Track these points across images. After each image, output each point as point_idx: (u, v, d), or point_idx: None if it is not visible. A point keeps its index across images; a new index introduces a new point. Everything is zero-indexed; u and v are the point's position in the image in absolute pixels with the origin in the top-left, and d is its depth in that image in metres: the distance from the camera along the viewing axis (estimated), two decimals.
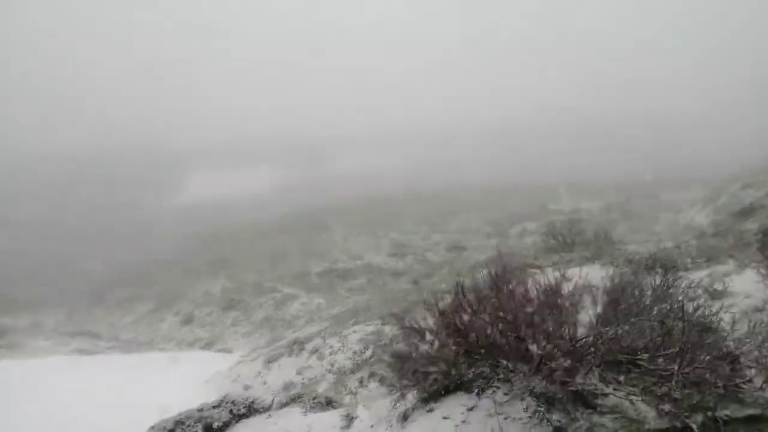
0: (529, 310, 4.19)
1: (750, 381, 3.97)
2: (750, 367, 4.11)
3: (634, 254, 11.64)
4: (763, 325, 5.92)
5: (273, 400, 10.11)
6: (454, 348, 4.20)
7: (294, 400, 8.43)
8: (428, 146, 58.16)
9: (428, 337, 4.43)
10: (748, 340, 4.41)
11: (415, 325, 4.42)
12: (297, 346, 15.45)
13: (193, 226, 37.97)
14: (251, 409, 7.24)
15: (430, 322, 4.52)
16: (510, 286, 4.49)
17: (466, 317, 4.29)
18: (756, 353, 4.23)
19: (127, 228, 39.50)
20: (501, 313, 4.12)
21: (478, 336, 4.14)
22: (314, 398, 8.47)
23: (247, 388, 13.90)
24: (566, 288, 6.83)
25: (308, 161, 59.71)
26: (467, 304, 4.36)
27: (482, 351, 4.16)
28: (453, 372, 4.27)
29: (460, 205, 34.37)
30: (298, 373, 13.91)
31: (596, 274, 7.98)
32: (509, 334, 4.09)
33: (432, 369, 4.33)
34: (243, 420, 6.97)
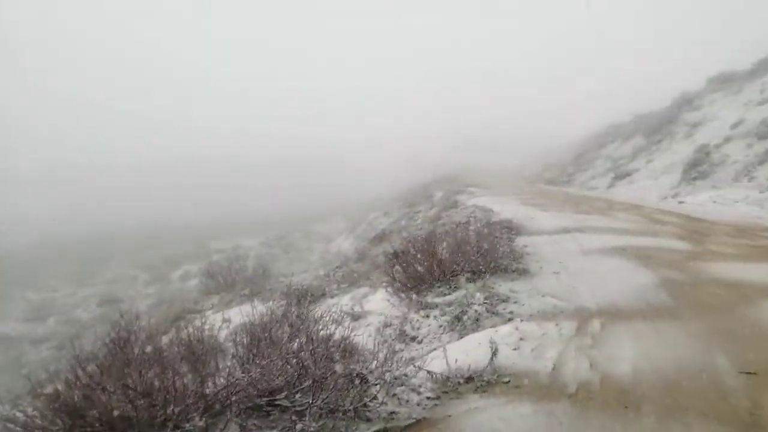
0: (162, 368, 3.84)
1: (375, 398, 4.36)
2: (375, 384, 4.52)
3: (289, 287, 12.19)
4: (389, 340, 6.72)
5: None
6: None
7: None
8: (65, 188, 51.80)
9: (33, 426, 3.66)
10: (374, 358, 4.86)
11: (15, 417, 3.60)
12: None
13: None
14: None
15: (37, 407, 3.75)
16: (139, 346, 4.06)
17: (84, 392, 3.68)
18: (380, 370, 4.70)
19: None
20: (128, 381, 3.65)
21: (100, 412, 3.58)
22: None
23: None
24: (222, 331, 6.62)
25: None
26: (86, 376, 3.76)
27: (105, 428, 3.60)
28: None
29: (109, 253, 31.36)
30: None
31: (247, 314, 7.98)
32: (139, 401, 3.64)
33: None
34: None
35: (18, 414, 3.74)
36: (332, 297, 10.85)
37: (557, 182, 34.11)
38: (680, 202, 17.71)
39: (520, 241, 10.61)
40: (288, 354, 4.47)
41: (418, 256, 8.86)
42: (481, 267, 8.28)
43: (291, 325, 5.10)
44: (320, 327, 5.29)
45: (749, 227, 11.95)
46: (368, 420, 4.11)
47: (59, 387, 3.74)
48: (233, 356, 4.56)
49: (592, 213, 15.63)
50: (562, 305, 6.75)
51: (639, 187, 23.56)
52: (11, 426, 3.53)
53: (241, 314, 8.41)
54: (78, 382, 3.78)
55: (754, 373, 4.29)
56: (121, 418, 3.61)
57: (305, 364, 4.29)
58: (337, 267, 16.36)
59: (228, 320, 9.05)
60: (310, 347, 4.41)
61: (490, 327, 6.14)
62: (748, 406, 3.82)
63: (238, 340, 4.98)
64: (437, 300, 7.74)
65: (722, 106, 27.87)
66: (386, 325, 7.72)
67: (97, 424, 3.60)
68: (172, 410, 3.53)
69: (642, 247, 9.77)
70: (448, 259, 8.57)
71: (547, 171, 42.24)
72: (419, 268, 8.56)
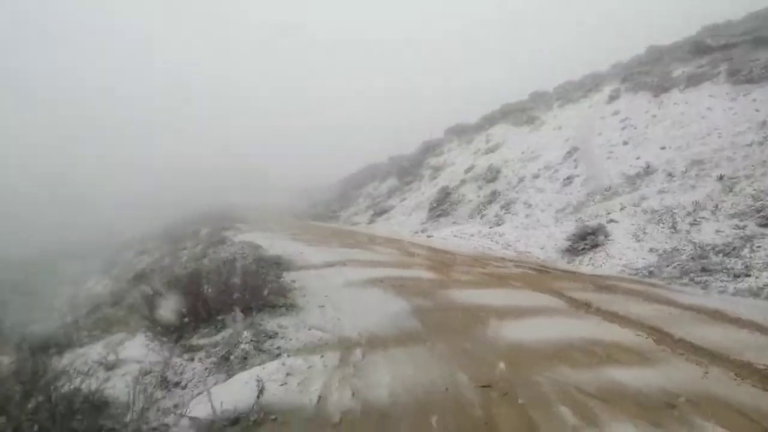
0: None
1: None
2: None
3: (25, 337, 10.55)
4: (146, 390, 6.22)
5: None
6: None
7: None
8: None
9: None
10: (129, 409, 4.47)
11: None
12: None
13: None
14: None
15: None
16: None
17: None
18: (135, 423, 4.33)
19: None
20: None
21: None
22: None
23: None
24: None
25: None
26: None
27: None
28: None
29: None
30: None
31: None
32: None
33: None
34: None
35: None
36: (81, 346, 9.66)
37: (324, 218, 35.52)
38: (428, 236, 19.82)
39: (288, 276, 10.78)
40: (23, 417, 3.89)
41: (183, 295, 8.44)
42: (248, 304, 8.20)
43: (23, 384, 4.43)
44: (62, 382, 4.71)
45: (482, 257, 13.89)
46: None
47: None
48: None
49: (356, 247, 16.60)
50: (327, 337, 7.02)
51: (395, 223, 25.80)
52: None
53: None
54: None
55: (488, 386, 4.97)
56: None
57: (44, 425, 3.78)
58: (88, 312, 14.68)
59: None
60: (47, 406, 3.90)
61: (258, 365, 6.09)
62: (483, 416, 4.41)
63: None
64: (202, 341, 7.43)
65: (458, 153, 32.19)
66: (145, 373, 7.14)
67: None
68: None
69: (397, 278, 10.66)
70: (214, 298, 8.33)
71: (314, 208, 43.75)
72: (183, 309, 8.14)
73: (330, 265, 12.61)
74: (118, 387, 6.12)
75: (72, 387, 4.62)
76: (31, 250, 36.06)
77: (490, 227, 18.76)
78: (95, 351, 9.19)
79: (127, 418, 4.34)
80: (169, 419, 4.61)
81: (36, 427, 3.85)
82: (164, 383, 6.53)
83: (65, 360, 6.32)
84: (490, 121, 34.31)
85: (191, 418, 4.71)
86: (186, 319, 7.96)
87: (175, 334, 7.90)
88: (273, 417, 4.70)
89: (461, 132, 36.37)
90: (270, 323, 7.67)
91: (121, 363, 8.08)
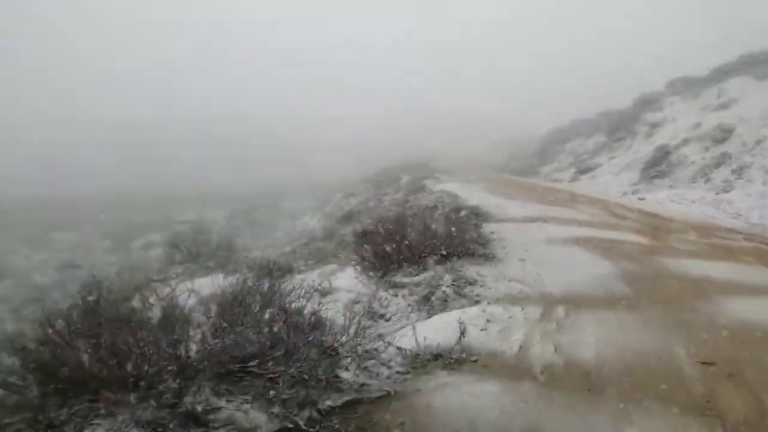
0: (135, 330, 3.82)
1: (346, 369, 4.43)
2: (346, 357, 4.59)
3: (255, 260, 12.12)
4: (358, 316, 6.78)
5: None
6: (39, 389, 3.50)
7: None
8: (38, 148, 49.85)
9: (8, 380, 3.61)
10: (345, 332, 4.92)
11: None
12: None
13: None
14: None
15: (9, 361, 3.70)
16: (112, 307, 4.03)
17: (56, 350, 3.64)
18: (351, 343, 4.77)
19: None
20: (99, 340, 3.62)
21: (71, 370, 3.55)
22: None
23: None
24: (190, 300, 6.57)
25: None
26: (57, 335, 3.72)
27: (77, 386, 3.57)
28: (40, 417, 3.55)
29: (68, 217, 30.53)
30: None
31: (217, 284, 7.94)
32: (110, 361, 3.62)
33: (12, 419, 3.53)
34: None
35: None
36: (299, 273, 10.83)
37: (523, 173, 34.63)
38: (640, 199, 18.25)
39: (487, 228, 10.78)
40: (260, 323, 4.49)
41: (387, 236, 8.95)
42: (449, 250, 8.40)
43: (262, 296, 5.11)
44: (291, 299, 5.33)
45: (704, 225, 12.43)
46: (339, 390, 4.17)
47: (29, 344, 3.69)
48: (206, 322, 4.54)
49: (557, 204, 15.96)
50: (527, 290, 6.93)
51: (601, 182, 24.18)
52: None
53: (206, 285, 8.36)
54: (48, 340, 3.74)
55: (712, 363, 4.51)
56: (93, 378, 3.59)
57: (277, 333, 4.32)
58: (303, 244, 16.34)
59: (194, 290, 8.97)
60: (283, 317, 4.44)
61: (458, 308, 6.26)
62: (704, 393, 4.03)
63: (209, 307, 4.97)
64: (405, 280, 7.84)
65: (680, 109, 28.69)
66: (355, 302, 7.80)
67: (68, 382, 3.57)
68: (146, 371, 3.52)
69: (603, 239, 10.06)
70: (417, 240, 8.67)
71: (512, 161, 42.86)
72: (388, 249, 8.63)
73: (530, 219, 12.32)
74: (330, 311, 6.78)
75: (299, 305, 5.22)
76: (254, 188, 40.76)
77: (717, 194, 16.64)
78: (311, 278, 10.25)
79: (343, 339, 4.77)
80: (378, 345, 4.97)
81: (269, 334, 4.41)
82: (371, 313, 7.07)
83: (288, 283, 7.08)
84: (724, 73, 29.88)
85: (398, 348, 5.04)
86: (391, 258, 8.45)
87: (381, 270, 8.44)
88: (474, 358, 4.82)
89: (686, 85, 32.27)
90: (469, 270, 7.79)
91: (334, 291, 8.91)
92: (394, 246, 8.58)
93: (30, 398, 3.59)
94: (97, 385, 3.62)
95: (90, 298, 4.08)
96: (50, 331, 3.81)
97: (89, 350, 3.68)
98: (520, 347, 5.00)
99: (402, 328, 6.00)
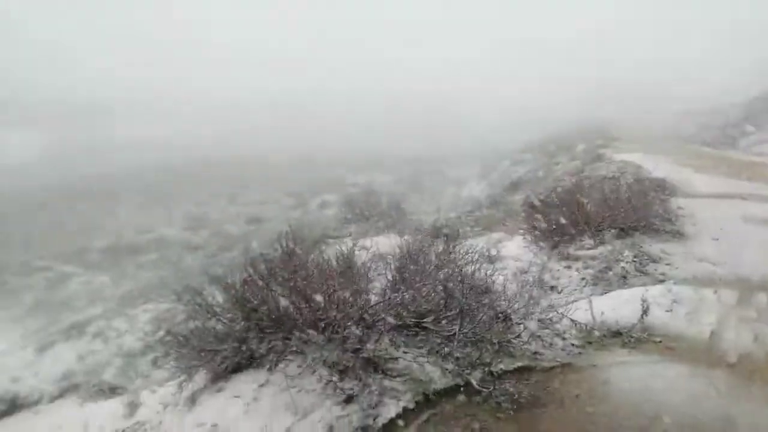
0: (323, 279, 4.14)
1: (519, 336, 4.41)
2: (519, 324, 4.57)
3: (422, 224, 12.44)
4: (528, 285, 6.68)
5: (43, 393, 9.00)
6: (243, 323, 3.98)
7: (71, 390, 7.61)
8: (228, 113, 55.41)
9: (218, 313, 4.15)
10: (517, 299, 4.88)
11: (201, 302, 4.10)
12: (76, 330, 13.85)
13: None
14: (15, 405, 6.33)
15: (220, 298, 4.24)
16: (302, 257, 4.40)
17: (257, 290, 4.10)
18: (523, 311, 4.72)
19: None
20: (293, 284, 4.00)
21: (270, 309, 3.97)
22: (94, 386, 7.71)
23: (14, 380, 12.14)
24: (362, 257, 6.96)
25: (88, 124, 53.06)
26: (258, 277, 4.17)
27: (274, 324, 4.00)
28: (243, 348, 4.05)
29: (258, 176, 33.69)
30: (79, 359, 12.48)
31: (389, 243, 8.29)
32: (302, 305, 3.99)
33: (221, 347, 4.07)
34: (2, 420, 6.04)
35: (200, 300, 4.26)
36: (465, 239, 10.91)
37: (717, 144, 30.93)
38: None
39: (675, 203, 9.87)
40: (435, 282, 4.62)
41: (561, 207, 8.62)
42: (630, 224, 7.86)
43: (437, 256, 5.23)
44: (465, 262, 5.39)
45: None
46: (512, 355, 4.18)
47: (235, 283, 4.19)
48: (385, 278, 4.77)
49: (758, 180, 14.07)
50: (721, 273, 6.27)
51: None
52: (198, 308, 4.03)
53: (383, 243, 8.78)
54: (251, 282, 4.21)
55: None
56: (287, 318, 3.99)
57: (452, 293, 4.41)
58: (468, 211, 16.36)
59: (366, 248, 9.47)
60: (459, 278, 4.51)
61: (640, 286, 5.87)
62: None
63: (386, 263, 5.20)
64: (580, 253, 7.53)
65: None
66: (523, 272, 7.69)
67: (266, 319, 4.01)
68: (334, 316, 3.82)
69: None
70: (594, 212, 8.23)
71: (705, 132, 38.37)
72: (562, 219, 8.32)
73: (725, 196, 11.03)
74: (498, 279, 6.75)
75: (471, 268, 5.26)
76: (421, 153, 41.24)
77: None
78: (478, 245, 10.29)
79: (516, 306, 4.74)
80: (552, 316, 4.86)
81: (444, 293, 4.52)
82: (541, 284, 6.92)
83: (461, 247, 7.15)
84: None
85: (572, 320, 4.89)
86: (565, 230, 8.13)
87: (553, 241, 8.17)
88: (657, 339, 4.52)
89: None
90: (653, 247, 7.23)
91: (501, 258, 8.85)
92: (568, 217, 8.25)
93: (236, 331, 4.09)
94: (291, 326, 4.01)
95: (286, 247, 4.50)
96: (253, 273, 4.28)
97: (285, 294, 4.08)
98: (712, 332, 4.57)
99: (575, 301, 5.79)
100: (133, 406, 5.23)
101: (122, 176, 34.10)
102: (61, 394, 9.56)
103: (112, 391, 7.94)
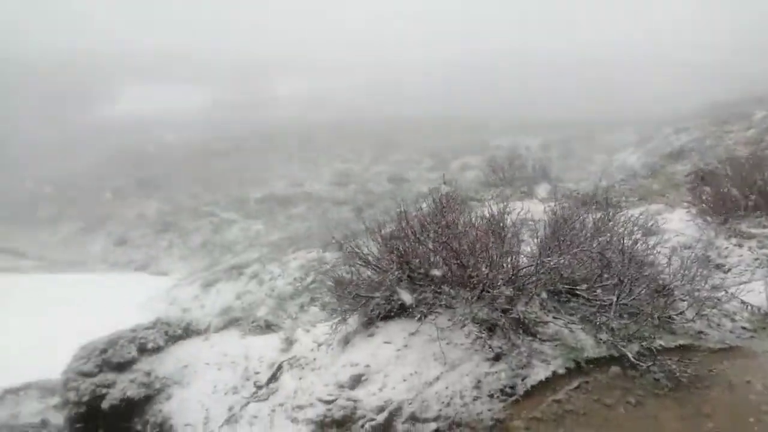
0: (472, 238, 4.17)
1: (682, 313, 4.14)
2: (682, 300, 4.28)
3: (571, 191, 11.90)
4: (693, 261, 6.20)
5: (210, 323, 9.97)
6: (396, 274, 4.14)
7: (232, 323, 8.33)
8: (377, 72, 56.47)
9: (371, 262, 4.36)
10: (680, 274, 4.56)
11: (358, 251, 4.32)
12: (236, 271, 15.30)
13: (120, 141, 36.08)
14: (187, 331, 7.12)
15: (374, 248, 4.44)
16: (454, 215, 4.45)
17: (408, 244, 4.23)
18: (688, 287, 4.40)
19: (53, 141, 36.92)
20: (444, 241, 4.07)
21: (421, 262, 4.09)
22: (253, 322, 8.40)
23: (184, 311, 13.75)
24: (509, 219, 6.90)
25: (247, 81, 57.01)
26: (411, 231, 4.29)
27: (425, 277, 4.12)
28: (395, 297, 4.23)
29: (401, 136, 34.25)
30: (237, 297, 13.84)
31: (536, 208, 8.08)
32: (452, 261, 4.06)
33: (374, 294, 4.28)
34: (179, 342, 6.86)
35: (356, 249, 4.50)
36: (619, 209, 10.31)
37: None
38: None
39: None
40: (592, 249, 4.44)
41: (734, 179, 7.81)
42: None
43: (594, 224, 5.02)
44: (624, 232, 5.12)
45: None
46: (673, 332, 3.95)
47: (388, 235, 4.36)
48: (536, 241, 4.67)
49: None
50: None
51: None
52: (356, 255, 4.26)
53: (533, 208, 8.58)
54: (403, 235, 4.35)
55: None
56: (437, 271, 4.09)
57: (610, 263, 4.23)
58: (622, 180, 15.34)
59: (509, 212, 9.31)
60: (619, 247, 4.31)
61: None
62: None
63: (537, 227, 5.08)
64: (754, 230, 6.81)
65: None
66: (685, 247, 7.12)
67: (418, 271, 4.15)
68: (486, 274, 3.85)
69: None
70: None
71: None
72: (734, 192, 7.56)
73: None
74: (660, 253, 6.30)
75: (630, 239, 4.97)
76: (571, 116, 39.07)
77: None
78: (633, 214, 9.67)
79: (679, 281, 4.43)
80: (720, 295, 4.48)
81: (600, 261, 4.32)
82: (705, 261, 6.37)
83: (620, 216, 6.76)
84: None
85: (743, 302, 4.49)
86: (738, 204, 7.38)
87: (722, 216, 7.46)
88: None
89: None
90: None
91: (661, 232, 8.26)
92: (743, 190, 7.46)
93: (389, 280, 4.27)
94: (441, 280, 4.12)
95: (441, 202, 4.58)
96: (405, 226, 4.42)
97: (435, 248, 4.17)
98: None
99: (747, 282, 5.29)
100: (288, 342, 5.69)
101: (276, 132, 36.47)
102: (225, 326, 10.70)
103: (268, 327, 8.70)
